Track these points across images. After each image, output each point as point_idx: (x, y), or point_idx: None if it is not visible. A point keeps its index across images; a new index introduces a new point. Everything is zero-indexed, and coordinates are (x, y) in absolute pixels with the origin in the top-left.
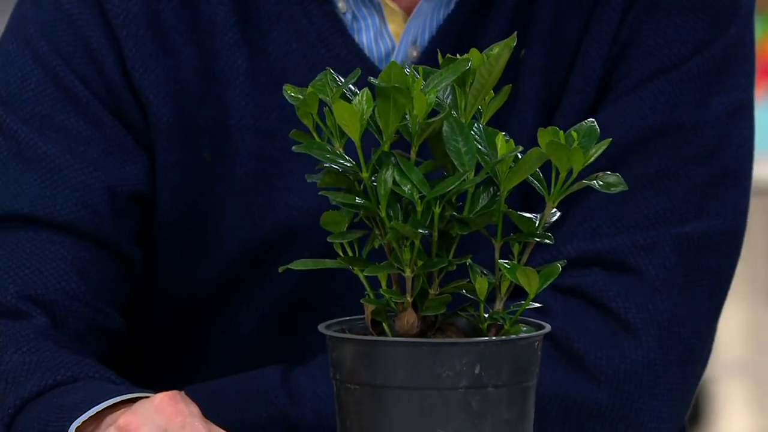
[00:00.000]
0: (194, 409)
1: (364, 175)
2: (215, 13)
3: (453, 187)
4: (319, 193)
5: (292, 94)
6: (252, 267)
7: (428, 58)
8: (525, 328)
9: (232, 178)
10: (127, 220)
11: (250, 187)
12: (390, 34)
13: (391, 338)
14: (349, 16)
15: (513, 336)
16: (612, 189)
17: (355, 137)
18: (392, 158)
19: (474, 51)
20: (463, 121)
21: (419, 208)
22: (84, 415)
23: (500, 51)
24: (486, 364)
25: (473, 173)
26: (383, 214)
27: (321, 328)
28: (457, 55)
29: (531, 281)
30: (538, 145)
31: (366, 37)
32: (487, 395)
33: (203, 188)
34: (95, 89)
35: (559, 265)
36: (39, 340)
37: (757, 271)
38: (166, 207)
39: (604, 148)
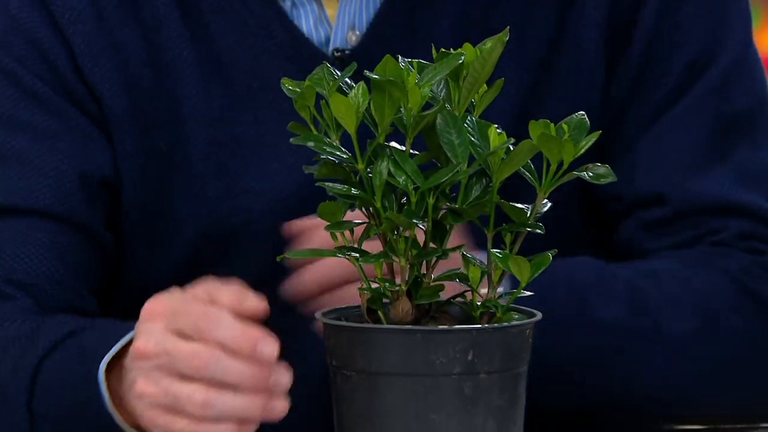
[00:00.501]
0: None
1: (360, 166)
2: (156, 7)
3: (447, 178)
4: (316, 184)
5: (290, 88)
6: (212, 253)
7: (369, 43)
8: (517, 316)
9: (188, 166)
10: (99, 205)
11: (205, 175)
12: (328, 20)
13: (385, 326)
14: (288, 4)
15: (505, 323)
16: (602, 180)
17: (351, 129)
18: (387, 150)
19: (467, 46)
20: (457, 114)
21: (414, 199)
22: (114, 347)
23: (493, 45)
24: (478, 350)
25: (466, 164)
26: (378, 205)
27: (318, 315)
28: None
29: (522, 270)
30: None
31: (306, 24)
32: (479, 381)
33: (162, 177)
34: (53, 86)
35: (549, 255)
36: (29, 314)
37: None
38: (129, 196)
39: (594, 140)
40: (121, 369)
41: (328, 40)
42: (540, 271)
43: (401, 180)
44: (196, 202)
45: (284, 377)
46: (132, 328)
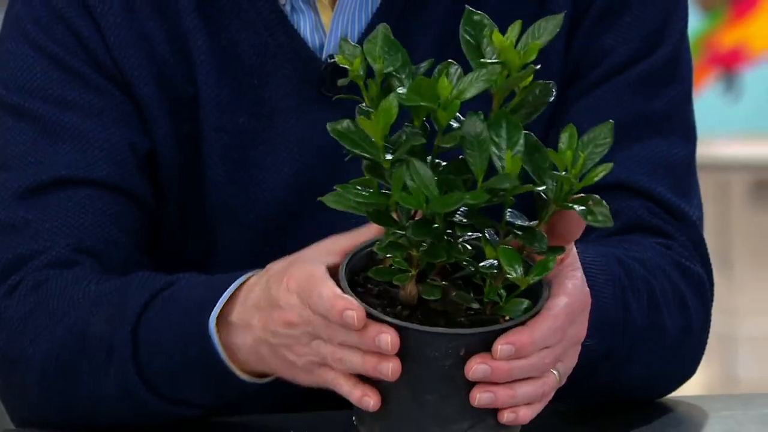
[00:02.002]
0: None
1: (386, 165)
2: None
3: (456, 206)
4: (345, 155)
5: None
6: (221, 233)
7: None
8: (522, 305)
9: (202, 150)
10: (146, 176)
11: (212, 159)
12: (323, 27)
13: (386, 319)
14: (288, 8)
15: (492, 327)
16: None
17: (380, 143)
18: (405, 167)
19: (496, 34)
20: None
21: (424, 215)
22: (220, 300)
23: (531, 49)
24: (470, 348)
25: (481, 180)
26: (393, 208)
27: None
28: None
29: (521, 281)
30: None
31: (304, 29)
32: None
33: (186, 159)
34: (95, 69)
35: (550, 261)
36: (101, 274)
37: (708, 241)
38: (163, 174)
39: (606, 172)
40: (224, 321)
41: (322, 46)
42: (544, 273)
43: (409, 202)
44: (207, 185)
45: (384, 338)
46: (221, 279)
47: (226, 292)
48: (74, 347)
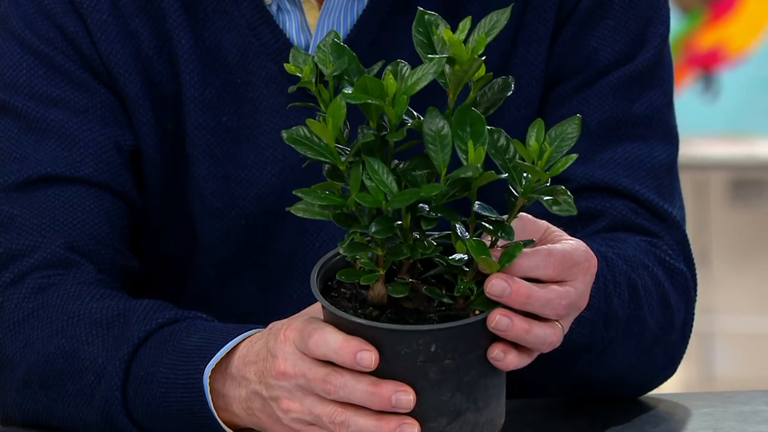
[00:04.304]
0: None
1: (342, 168)
2: None
3: (414, 200)
4: (303, 165)
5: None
6: (205, 230)
7: None
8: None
9: (185, 147)
10: (131, 174)
11: (195, 157)
12: (309, 28)
13: (356, 320)
14: (274, 8)
15: (460, 322)
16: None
17: (331, 144)
18: (361, 167)
19: (446, 31)
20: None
21: (385, 213)
22: (220, 352)
23: (479, 42)
24: (441, 343)
25: (445, 171)
26: (354, 208)
27: (314, 290)
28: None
29: (491, 265)
30: None
31: (290, 29)
32: (444, 366)
33: (169, 156)
34: (81, 65)
35: (522, 244)
36: (101, 287)
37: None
38: (147, 171)
39: (572, 162)
40: (221, 371)
41: (308, 46)
42: (512, 261)
43: (371, 196)
44: (190, 182)
45: (403, 398)
46: (225, 330)
47: (227, 345)
48: (63, 365)
